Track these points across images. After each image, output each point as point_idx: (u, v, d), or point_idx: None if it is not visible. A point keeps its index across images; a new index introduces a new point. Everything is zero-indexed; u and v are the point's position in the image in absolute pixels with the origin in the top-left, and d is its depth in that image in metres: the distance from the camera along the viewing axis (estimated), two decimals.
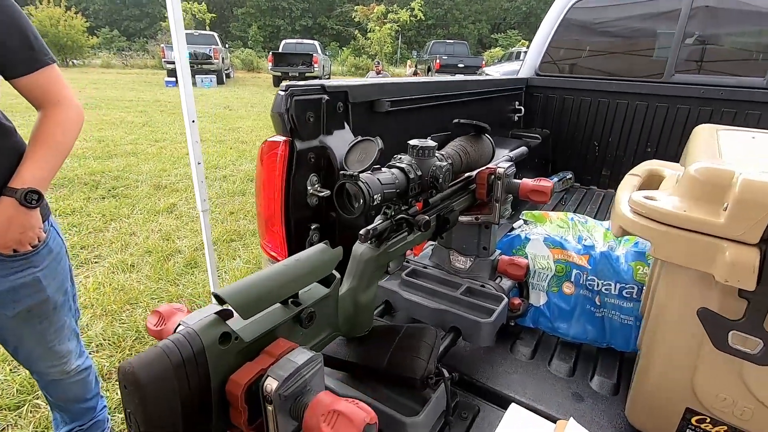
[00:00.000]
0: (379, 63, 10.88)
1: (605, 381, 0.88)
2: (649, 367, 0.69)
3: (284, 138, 0.85)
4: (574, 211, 1.99)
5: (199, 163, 1.76)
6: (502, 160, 0.94)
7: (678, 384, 0.65)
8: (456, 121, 0.84)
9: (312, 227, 0.94)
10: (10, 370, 1.92)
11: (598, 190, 2.31)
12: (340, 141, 0.94)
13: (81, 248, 3.09)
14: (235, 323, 0.44)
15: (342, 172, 0.55)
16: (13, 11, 1.00)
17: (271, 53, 15.19)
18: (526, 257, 1.03)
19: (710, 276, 0.54)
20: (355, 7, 24.96)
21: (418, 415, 0.57)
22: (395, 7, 24.08)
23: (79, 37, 19.77)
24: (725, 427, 0.63)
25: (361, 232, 0.60)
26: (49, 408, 1.48)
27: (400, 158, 0.67)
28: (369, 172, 0.57)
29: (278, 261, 0.94)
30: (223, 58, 14.75)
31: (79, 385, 1.40)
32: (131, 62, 21.90)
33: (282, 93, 0.82)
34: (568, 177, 2.25)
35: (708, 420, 0.64)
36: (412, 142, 0.67)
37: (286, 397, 0.39)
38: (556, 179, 2.22)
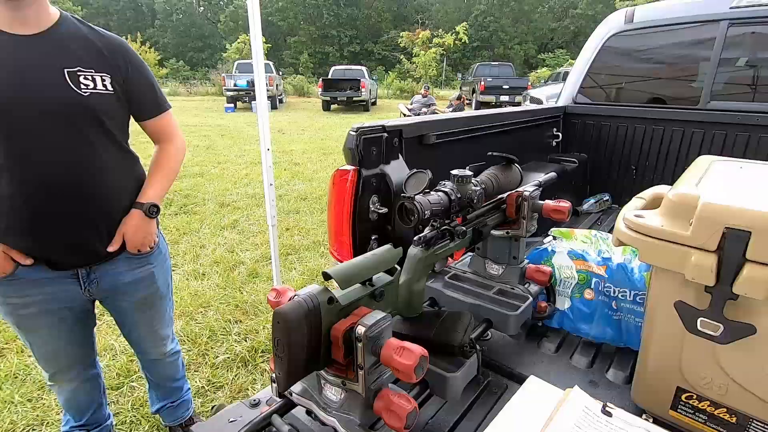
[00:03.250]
0: (428, 87, 11.20)
1: (619, 373, 1.03)
2: (646, 355, 0.85)
3: (353, 167, 1.09)
4: (609, 231, 2.10)
5: (270, 185, 2.07)
6: (529, 185, 1.13)
7: (669, 368, 0.81)
8: (489, 153, 1.05)
9: (372, 237, 1.17)
10: (111, 357, 2.28)
11: None
12: (395, 169, 1.18)
13: None
14: (335, 293, 0.67)
15: (402, 194, 0.78)
16: (146, 70, 1.33)
17: (321, 79, 16.02)
18: (553, 267, 1.20)
19: (683, 275, 0.71)
20: (401, 33, 25.80)
21: (457, 372, 0.77)
22: (440, 31, 24.66)
23: (152, 69, 21.83)
24: (708, 402, 0.78)
25: (415, 238, 0.82)
26: (146, 387, 1.78)
27: (444, 183, 0.89)
28: (421, 194, 0.80)
29: None
30: (276, 85, 15.74)
31: (172, 366, 1.69)
32: (194, 90, 23.79)
33: (353, 133, 1.07)
34: (605, 199, 2.36)
35: (695, 396, 0.79)
36: (454, 171, 0.89)
37: (369, 338, 0.61)
38: (592, 200, 2.33)
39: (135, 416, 1.92)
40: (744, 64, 2.11)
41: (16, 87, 1.09)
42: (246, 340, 2.46)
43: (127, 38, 21.84)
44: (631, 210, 0.83)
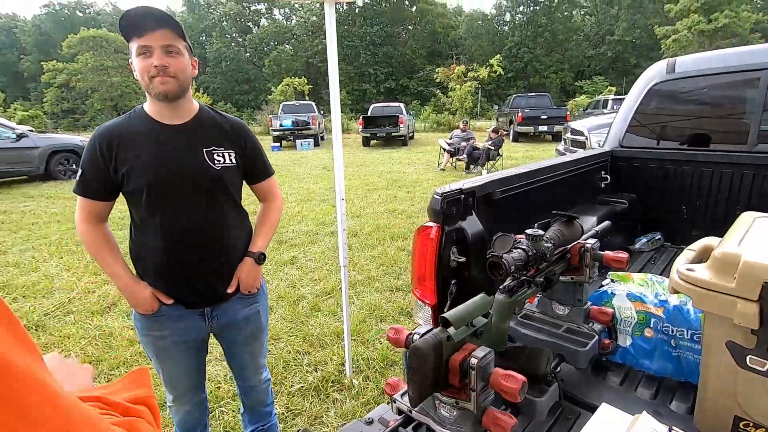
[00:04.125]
0: (466, 122, 11.55)
1: (681, 405, 1.16)
2: (705, 387, 0.99)
3: (437, 224, 1.32)
4: (663, 270, 2.20)
5: (343, 230, 2.33)
6: (589, 235, 1.31)
7: (727, 399, 0.95)
8: (554, 212, 1.25)
9: (452, 282, 1.38)
10: None
11: None
12: (470, 223, 1.40)
13: None
14: (450, 332, 0.88)
15: (491, 252, 0.99)
16: (258, 144, 1.64)
17: (361, 117, 16.74)
18: (613, 308, 1.35)
19: (731, 319, 0.87)
20: (437, 69, 26.58)
21: (542, 397, 0.94)
22: (475, 65, 25.22)
23: None
24: (764, 429, 0.91)
25: (500, 287, 1.03)
26: (240, 411, 2.02)
27: (520, 242, 1.09)
28: (506, 253, 1.01)
29: (427, 305, 1.39)
30: (319, 123, 16.60)
31: (265, 392, 1.93)
32: None
33: (438, 197, 1.30)
34: (656, 238, 2.45)
35: (752, 424, 0.92)
36: (528, 231, 1.09)
37: (481, 367, 0.81)
38: (644, 239, 2.44)
39: None
40: None
41: (172, 165, 1.41)
42: (316, 371, 2.68)
43: None
44: (683, 263, 1.00)
